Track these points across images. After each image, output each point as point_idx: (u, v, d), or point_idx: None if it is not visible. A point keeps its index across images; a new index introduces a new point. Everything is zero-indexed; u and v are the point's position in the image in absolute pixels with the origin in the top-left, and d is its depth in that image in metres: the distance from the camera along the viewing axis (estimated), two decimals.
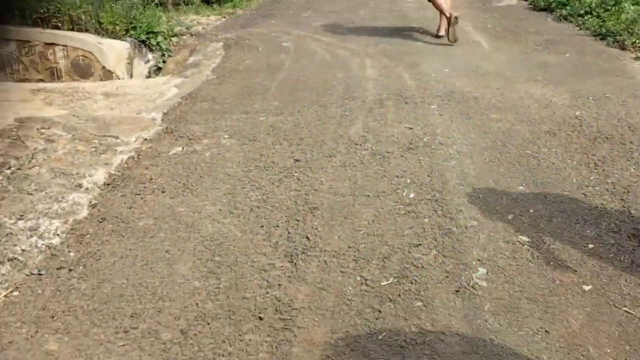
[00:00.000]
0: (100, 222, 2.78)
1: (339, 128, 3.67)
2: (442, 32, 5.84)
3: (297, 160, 3.26)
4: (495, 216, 2.55)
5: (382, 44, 5.76)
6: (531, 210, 2.59)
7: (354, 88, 4.45)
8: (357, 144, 3.40)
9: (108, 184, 3.17)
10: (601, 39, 5.35)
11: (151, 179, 3.18)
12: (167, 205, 2.87)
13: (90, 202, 2.98)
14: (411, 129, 3.54)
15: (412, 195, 2.77)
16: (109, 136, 3.82)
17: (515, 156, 3.12)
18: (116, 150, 3.63)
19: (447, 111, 3.80)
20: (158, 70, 6.00)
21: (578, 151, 3.16)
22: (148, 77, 5.94)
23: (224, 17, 8.96)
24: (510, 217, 2.54)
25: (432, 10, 7.50)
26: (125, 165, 3.39)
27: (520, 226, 2.47)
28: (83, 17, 5.89)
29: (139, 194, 3.02)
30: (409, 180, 2.91)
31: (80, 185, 3.15)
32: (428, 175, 2.95)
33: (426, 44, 5.68)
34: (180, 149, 3.57)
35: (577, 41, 5.38)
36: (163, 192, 3.03)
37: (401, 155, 3.18)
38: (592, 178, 2.87)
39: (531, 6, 7.27)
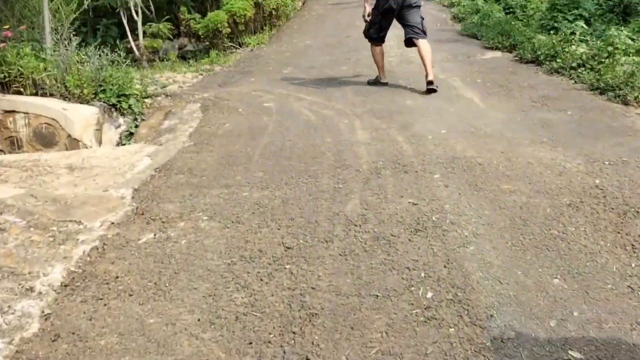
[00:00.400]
0: (53, 340, 2.27)
1: (334, 204, 3.25)
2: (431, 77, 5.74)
3: (288, 248, 2.81)
4: (534, 323, 2.11)
5: (369, 103, 5.43)
6: (575, 313, 2.16)
7: (346, 154, 4.06)
8: (356, 225, 2.96)
9: (66, 285, 2.67)
10: (600, 94, 5.09)
11: (117, 277, 2.70)
12: (134, 315, 2.38)
13: (43, 311, 2.48)
14: (416, 204, 3.13)
15: (429, 294, 2.33)
16: (71, 221, 3.33)
17: (540, 238, 2.71)
18: (78, 239, 3.14)
19: (452, 181, 3.41)
20: (130, 135, 5.57)
21: (609, 229, 2.77)
22: (119, 143, 5.49)
23: (201, 75, 8.65)
24: (552, 323, 2.11)
25: (416, 63, 7.27)
26: (88, 259, 2.90)
27: (567, 336, 2.03)
28: (47, 81, 5.47)
29: (101, 299, 2.53)
30: (423, 274, 2.47)
31: (31, 289, 2.64)
32: (445, 266, 2.51)
33: (416, 102, 5.36)
34: (152, 235, 3.09)
35: (575, 96, 5.11)
36: (131, 295, 2.54)
37: (409, 240, 2.76)
38: (633, 265, 2.47)
39: (517, 59, 7.08)
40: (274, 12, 12.42)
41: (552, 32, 9.04)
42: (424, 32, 5.78)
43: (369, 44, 6.30)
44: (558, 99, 5.03)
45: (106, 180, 4.07)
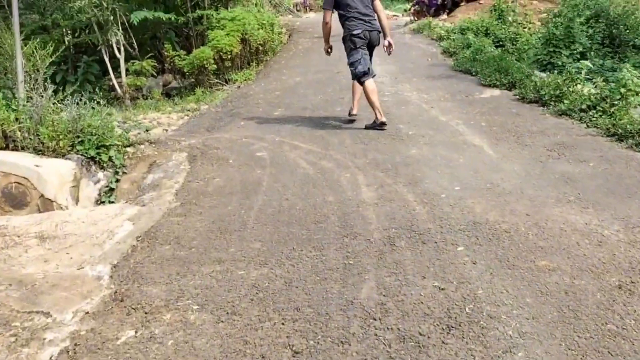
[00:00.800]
0: None
1: (346, 288, 2.80)
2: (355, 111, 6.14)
3: (296, 353, 2.34)
4: None
5: (370, 152, 5.03)
6: None
7: (352, 218, 3.62)
8: (375, 319, 2.51)
9: None
10: (618, 140, 4.75)
11: None
12: None
13: None
14: (443, 289, 2.69)
15: None
16: (38, 312, 2.84)
17: (597, 336, 2.28)
18: (45, 338, 2.64)
19: (479, 256, 2.99)
20: (110, 191, 5.09)
21: None
22: (98, 201, 5.02)
23: (187, 115, 8.24)
24: None
25: (414, 104, 6.96)
26: None
27: None
28: (19, 133, 5.01)
29: None
30: None
31: None
32: None
33: (421, 150, 4.97)
34: (132, 333, 2.61)
35: (592, 144, 4.76)
36: None
37: (443, 342, 2.31)
38: None
39: (518, 98, 6.77)
40: (260, 47, 12.13)
41: (548, 67, 8.86)
42: (374, 73, 5.92)
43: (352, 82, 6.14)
44: (575, 147, 4.68)
45: (81, 253, 3.59)
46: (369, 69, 5.73)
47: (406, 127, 5.80)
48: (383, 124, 5.70)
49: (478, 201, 3.72)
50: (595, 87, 5.82)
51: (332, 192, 4.16)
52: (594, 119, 5.30)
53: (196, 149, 5.74)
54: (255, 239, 3.49)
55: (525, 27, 12.80)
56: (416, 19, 16.51)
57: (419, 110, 6.58)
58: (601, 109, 5.38)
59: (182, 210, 4.10)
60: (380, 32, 5.80)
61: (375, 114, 5.76)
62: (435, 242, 3.17)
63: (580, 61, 7.23)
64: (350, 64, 5.81)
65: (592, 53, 9.08)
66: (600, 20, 10.20)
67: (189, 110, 8.53)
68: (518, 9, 13.31)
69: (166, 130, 7.37)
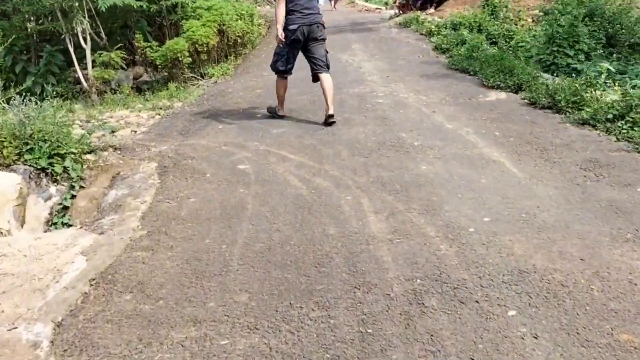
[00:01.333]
0: None
1: None
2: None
3: None
4: None
5: (373, 168, 4.31)
6: None
7: (363, 260, 2.90)
8: None
9: None
10: None
11: None
12: None
13: None
14: None
15: None
16: None
17: None
18: None
19: (539, 325, 2.29)
20: (64, 210, 4.27)
21: None
22: (49, 222, 4.20)
23: (159, 114, 7.41)
24: None
25: (413, 108, 6.25)
26: None
27: None
28: None
29: None
30: None
31: None
32: None
33: (433, 167, 4.26)
34: None
35: (630, 162, 4.10)
36: None
37: None
38: None
39: (528, 103, 6.11)
40: (239, 40, 11.30)
41: (552, 68, 8.25)
42: (327, 66, 5.84)
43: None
44: (612, 167, 4.02)
45: (17, 303, 2.79)
46: (286, 69, 5.86)
47: (409, 136, 5.08)
48: (282, 116, 6.06)
49: (516, 238, 3.03)
50: (621, 93, 5.17)
51: (333, 220, 3.42)
52: (624, 130, 4.66)
53: (168, 158, 4.94)
54: (241, 288, 2.74)
55: (517, 24, 12.23)
56: (401, 12, 15.81)
57: (420, 115, 5.88)
58: (631, 120, 4.75)
59: (149, 243, 3.32)
60: (320, 25, 5.68)
61: (278, 105, 6.12)
62: (477, 302, 2.46)
63: (599, 64, 6.60)
64: (275, 54, 5.94)
65: (597, 54, 8.50)
66: (595, 19, 9.64)
67: (161, 109, 7.70)
68: (510, 5, 12.72)
69: (135, 131, 6.55)
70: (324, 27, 5.76)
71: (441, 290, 2.57)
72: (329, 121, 5.64)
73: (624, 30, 9.84)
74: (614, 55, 9.10)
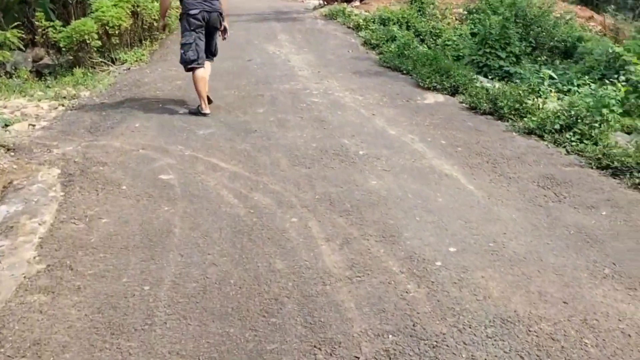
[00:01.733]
0: None
1: None
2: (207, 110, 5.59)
3: None
4: None
5: (318, 182, 3.84)
6: None
7: (320, 307, 2.43)
8: None
9: None
10: (614, 175, 3.96)
11: None
12: None
13: None
14: None
15: None
16: None
17: None
18: None
19: None
20: None
21: None
22: None
23: (62, 105, 6.51)
24: None
25: (351, 109, 5.84)
26: None
27: None
28: None
29: None
30: None
31: None
32: None
33: (383, 181, 3.86)
34: None
35: (587, 180, 3.90)
36: None
37: None
38: None
39: (467, 107, 5.89)
40: (155, 23, 10.38)
41: (484, 69, 8.16)
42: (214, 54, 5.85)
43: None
44: (569, 184, 3.80)
45: None
46: (199, 56, 5.44)
47: (352, 142, 4.66)
48: (206, 114, 5.53)
49: (489, 275, 2.68)
50: (568, 103, 5.02)
51: (279, 250, 2.92)
52: (574, 143, 4.50)
53: (74, 163, 4.21)
54: (170, 350, 2.18)
55: (442, 21, 12.20)
56: (326, 2, 15.40)
57: (360, 117, 5.48)
58: (579, 132, 4.60)
59: (49, 282, 2.66)
60: (220, 14, 5.50)
61: (201, 103, 5.56)
62: None
63: (542, 70, 6.51)
64: (182, 46, 5.50)
65: (526, 57, 8.52)
66: (517, 21, 9.72)
67: (64, 98, 6.76)
68: (436, 2, 12.66)
69: (33, 125, 5.65)
70: (223, 18, 5.58)
71: (419, 350, 2.15)
72: (205, 115, 5.48)
73: (544, 34, 10.01)
74: (539, 58, 9.22)
